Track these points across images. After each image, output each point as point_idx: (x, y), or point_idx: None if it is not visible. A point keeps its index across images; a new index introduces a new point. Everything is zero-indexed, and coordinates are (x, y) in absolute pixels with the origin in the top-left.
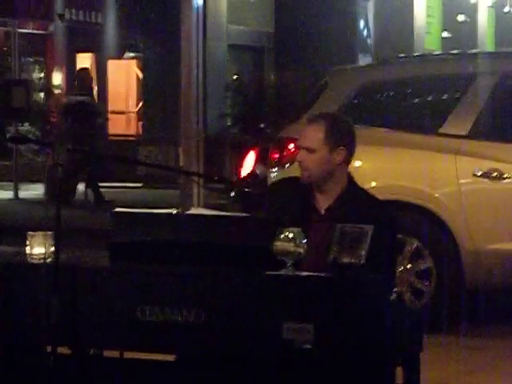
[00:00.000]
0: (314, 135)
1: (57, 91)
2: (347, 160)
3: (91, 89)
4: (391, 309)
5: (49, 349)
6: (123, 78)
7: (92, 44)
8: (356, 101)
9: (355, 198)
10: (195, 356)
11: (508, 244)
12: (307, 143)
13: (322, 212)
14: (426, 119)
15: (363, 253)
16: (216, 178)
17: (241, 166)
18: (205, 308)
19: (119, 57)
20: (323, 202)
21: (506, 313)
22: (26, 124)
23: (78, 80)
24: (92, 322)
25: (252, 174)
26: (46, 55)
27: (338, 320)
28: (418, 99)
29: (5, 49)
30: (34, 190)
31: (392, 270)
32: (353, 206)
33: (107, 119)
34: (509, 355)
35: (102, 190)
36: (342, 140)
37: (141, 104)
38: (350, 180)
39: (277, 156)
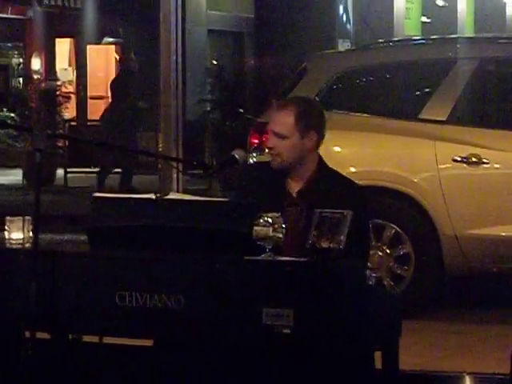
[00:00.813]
0: (284, 121)
1: (36, 76)
2: (318, 144)
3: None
4: (370, 294)
5: (28, 334)
6: (102, 63)
7: (71, 29)
8: (335, 86)
9: (326, 179)
10: (174, 341)
11: (487, 229)
12: (278, 129)
13: (294, 195)
14: (405, 105)
15: (342, 238)
16: (195, 163)
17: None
18: (184, 293)
19: (98, 42)
20: (295, 186)
21: (485, 298)
22: (5, 109)
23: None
24: (71, 308)
25: (231, 158)
26: (24, 40)
27: (318, 305)
28: (397, 85)
29: None
30: (12, 176)
31: (366, 251)
32: (324, 187)
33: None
34: (487, 340)
35: (81, 175)
36: (313, 125)
37: None
38: (321, 162)
39: (256, 141)
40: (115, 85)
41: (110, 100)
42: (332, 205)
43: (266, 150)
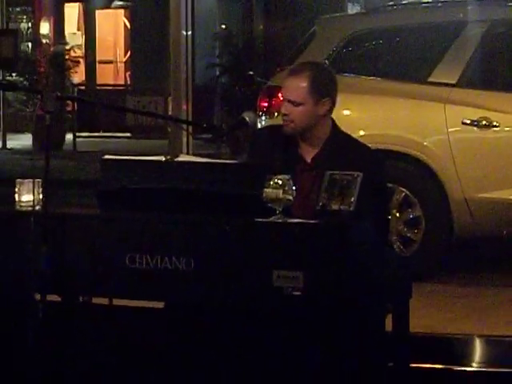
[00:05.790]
0: (298, 88)
1: (45, 41)
2: (331, 110)
3: None
4: (381, 256)
5: (38, 297)
6: (111, 27)
7: None
8: (345, 50)
9: (341, 143)
10: (184, 303)
11: (496, 192)
12: (292, 96)
13: (309, 161)
14: (415, 68)
15: (353, 200)
16: (205, 126)
17: None
18: (194, 255)
19: (107, 6)
20: (309, 151)
21: (494, 261)
22: (14, 74)
23: None
24: (81, 270)
25: (241, 121)
26: (33, 5)
27: (328, 267)
28: (407, 48)
29: None
30: (21, 140)
31: (384, 215)
32: (339, 152)
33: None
34: (496, 303)
35: (90, 139)
36: (327, 91)
37: (129, 54)
38: (334, 126)
39: (265, 104)
40: None
41: None
42: (348, 169)
43: (277, 114)
